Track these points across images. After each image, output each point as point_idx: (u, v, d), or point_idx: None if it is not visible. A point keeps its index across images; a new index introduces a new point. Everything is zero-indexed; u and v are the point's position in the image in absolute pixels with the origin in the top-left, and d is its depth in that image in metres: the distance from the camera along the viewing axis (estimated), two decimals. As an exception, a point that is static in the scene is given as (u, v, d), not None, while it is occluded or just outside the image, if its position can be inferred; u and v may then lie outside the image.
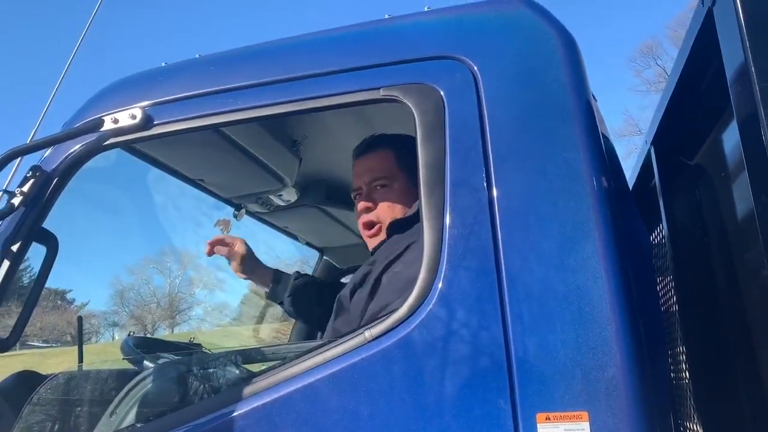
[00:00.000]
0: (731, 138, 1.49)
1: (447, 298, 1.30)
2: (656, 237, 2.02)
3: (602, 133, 1.47)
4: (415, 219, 1.56)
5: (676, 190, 1.83)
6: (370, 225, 1.88)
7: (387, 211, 1.85)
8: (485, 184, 1.35)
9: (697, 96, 1.55)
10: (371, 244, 1.89)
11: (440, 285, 1.31)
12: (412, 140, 1.43)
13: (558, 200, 1.32)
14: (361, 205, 1.90)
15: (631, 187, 2.00)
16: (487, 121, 1.39)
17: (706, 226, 1.72)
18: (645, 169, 2.07)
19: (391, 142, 1.91)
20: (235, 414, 1.34)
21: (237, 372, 1.53)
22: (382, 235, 1.83)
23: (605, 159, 1.41)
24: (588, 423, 1.19)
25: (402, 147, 1.83)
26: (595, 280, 1.27)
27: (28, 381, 1.78)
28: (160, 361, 1.61)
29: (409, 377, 1.28)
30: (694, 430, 1.84)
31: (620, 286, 1.28)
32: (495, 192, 1.35)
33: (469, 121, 1.40)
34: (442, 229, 1.34)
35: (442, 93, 1.42)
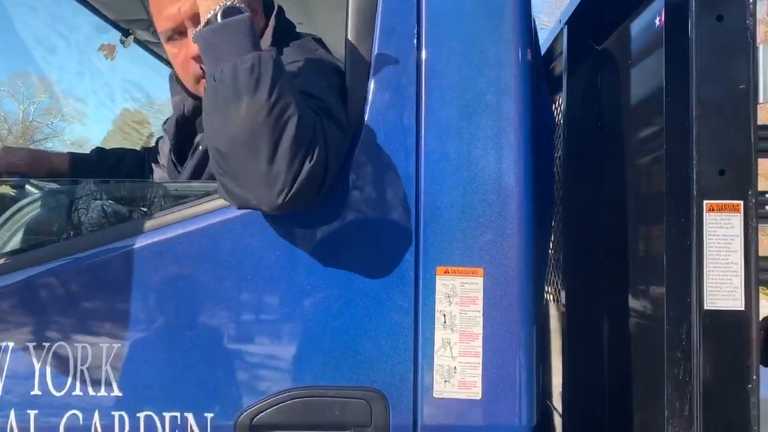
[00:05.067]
0: (644, 25, 1.55)
1: (367, 149, 1.31)
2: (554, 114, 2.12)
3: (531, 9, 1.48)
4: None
5: (580, 73, 1.90)
6: None
7: None
8: (415, 42, 1.33)
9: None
10: None
11: (361, 135, 1.31)
12: None
13: (484, 68, 1.34)
14: (194, 50, 1.41)
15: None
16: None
17: (601, 110, 1.83)
18: (555, 48, 2.13)
19: None
20: (125, 249, 1.30)
21: (126, 207, 1.48)
22: None
23: (531, 32, 1.43)
24: (482, 278, 1.29)
25: None
26: (507, 149, 1.33)
27: None
28: (47, 188, 1.51)
29: (320, 224, 1.30)
30: (551, 292, 2.08)
31: (527, 157, 1.35)
32: (424, 52, 1.33)
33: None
34: (368, 79, 1.32)
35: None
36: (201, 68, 1.44)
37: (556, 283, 2.01)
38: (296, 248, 1.31)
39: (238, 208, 1.22)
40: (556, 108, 2.05)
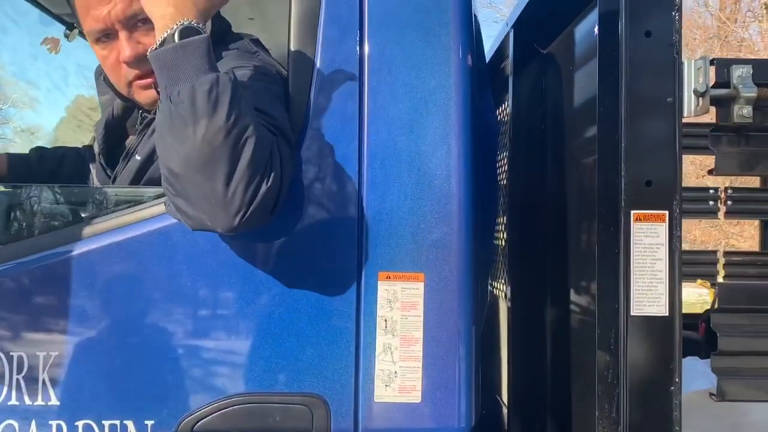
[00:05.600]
0: (584, 32, 1.59)
1: (311, 156, 1.33)
2: (499, 116, 2.16)
3: (473, 12, 1.50)
4: None
5: (526, 75, 1.94)
6: (146, 74, 1.41)
7: None
8: (357, 48, 1.35)
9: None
10: (151, 96, 1.43)
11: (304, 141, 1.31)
12: None
13: (421, 71, 1.35)
14: (125, 54, 1.39)
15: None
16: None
17: (545, 113, 1.87)
18: (501, 51, 2.16)
19: None
20: (62, 255, 1.29)
21: (64, 212, 1.45)
22: None
23: (473, 35, 1.45)
24: (423, 283, 1.31)
25: None
26: (446, 155, 1.35)
27: None
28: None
29: (262, 229, 1.31)
30: (500, 288, 2.12)
31: (467, 162, 1.37)
32: (366, 57, 1.34)
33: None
34: (311, 84, 1.32)
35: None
36: (134, 72, 1.42)
37: (504, 279, 2.06)
38: (237, 254, 1.31)
39: (192, 230, 1.20)
40: (503, 109, 2.09)
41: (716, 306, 1.35)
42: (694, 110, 1.23)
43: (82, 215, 1.36)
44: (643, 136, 1.18)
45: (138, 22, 1.39)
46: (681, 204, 1.17)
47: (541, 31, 1.87)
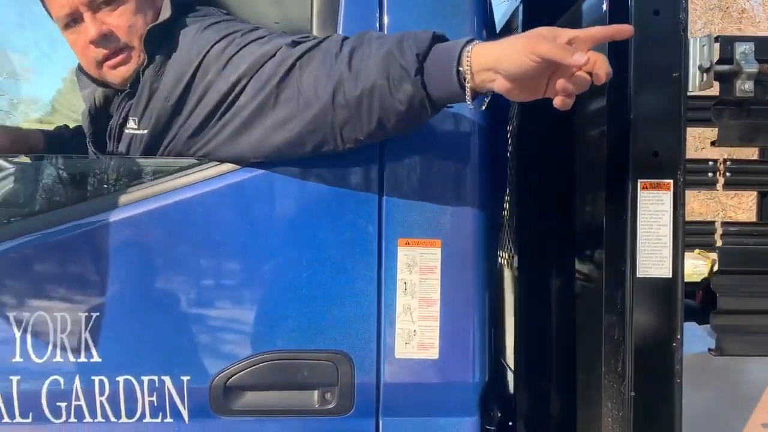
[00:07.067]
0: (593, 5, 1.64)
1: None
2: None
3: None
4: (169, 26, 1.42)
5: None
6: (114, 53, 1.45)
7: (130, 30, 1.44)
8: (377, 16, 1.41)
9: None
10: (122, 74, 1.47)
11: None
12: None
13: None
14: (91, 33, 1.42)
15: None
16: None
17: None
18: (509, 24, 2.21)
19: None
20: (99, 222, 1.36)
21: (97, 182, 1.52)
22: (134, 57, 1.46)
23: (488, 16, 1.52)
24: (440, 249, 1.40)
25: None
26: (462, 121, 1.42)
27: None
28: (17, 160, 1.54)
29: (289, 197, 1.39)
30: (505, 256, 2.20)
31: (482, 131, 1.44)
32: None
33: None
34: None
35: None
36: (102, 52, 1.45)
37: (510, 248, 2.14)
38: (265, 219, 1.39)
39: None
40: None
41: (716, 269, 1.43)
42: (698, 85, 1.30)
43: (121, 184, 1.44)
44: (650, 109, 1.25)
45: (101, 3, 1.42)
46: (684, 174, 1.25)
47: (550, 4, 1.92)
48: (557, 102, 1.10)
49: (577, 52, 1.03)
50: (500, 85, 1.13)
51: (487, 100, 1.22)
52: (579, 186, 1.70)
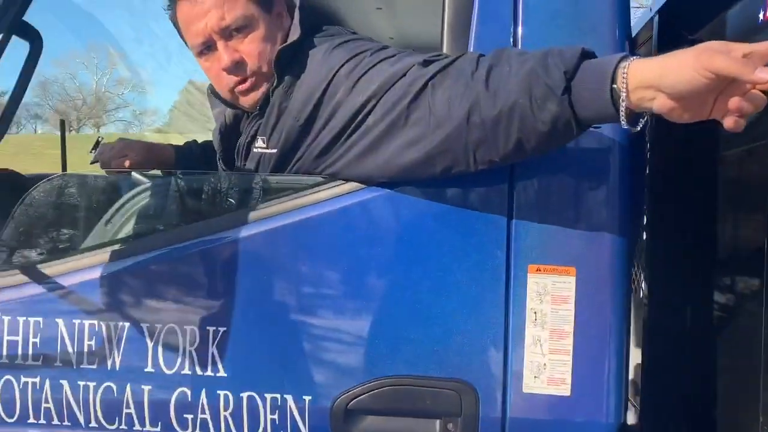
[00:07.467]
0: (740, 19, 1.50)
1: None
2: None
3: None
4: (299, 47, 1.44)
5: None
6: (245, 79, 1.49)
7: (260, 56, 1.47)
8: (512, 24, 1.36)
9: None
10: (252, 98, 1.51)
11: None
12: None
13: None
14: (224, 62, 1.47)
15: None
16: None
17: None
18: (641, 34, 2.08)
19: None
20: (230, 238, 1.38)
21: (228, 198, 1.55)
22: (265, 81, 1.48)
23: (630, 27, 1.42)
24: (574, 277, 1.31)
25: None
26: (601, 143, 1.33)
27: (7, 180, 1.74)
28: (154, 178, 1.60)
29: (416, 220, 1.35)
30: (640, 285, 2.06)
31: (623, 152, 1.35)
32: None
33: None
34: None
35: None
36: (234, 79, 1.48)
37: (638, 274, 2.00)
38: (389, 240, 1.36)
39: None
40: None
41: None
42: None
43: (251, 200, 1.46)
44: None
45: (232, 31, 1.46)
46: None
47: (689, 16, 1.79)
48: (729, 123, 1.00)
49: (760, 68, 0.92)
50: (661, 104, 1.03)
51: (643, 121, 1.12)
52: (725, 208, 1.55)
